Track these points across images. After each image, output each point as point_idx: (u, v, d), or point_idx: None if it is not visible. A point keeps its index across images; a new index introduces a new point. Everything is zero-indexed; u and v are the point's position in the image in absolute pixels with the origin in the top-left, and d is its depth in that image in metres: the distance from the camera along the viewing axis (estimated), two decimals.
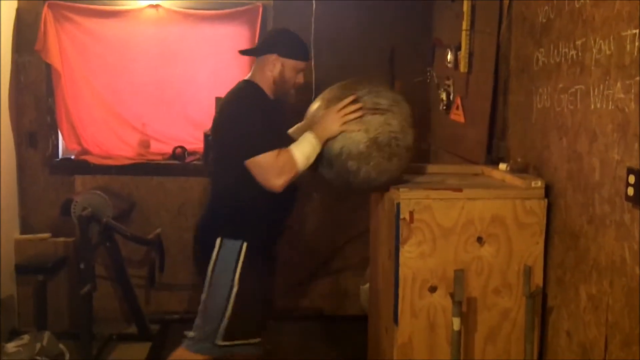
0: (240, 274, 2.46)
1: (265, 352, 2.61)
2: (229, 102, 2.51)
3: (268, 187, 2.39)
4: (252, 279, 2.49)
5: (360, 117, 2.33)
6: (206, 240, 2.52)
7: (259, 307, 2.57)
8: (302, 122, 2.57)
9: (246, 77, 2.60)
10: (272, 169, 2.36)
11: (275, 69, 2.52)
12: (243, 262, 2.47)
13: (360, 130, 2.32)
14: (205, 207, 2.71)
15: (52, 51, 3.87)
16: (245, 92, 2.52)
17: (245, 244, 2.47)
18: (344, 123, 2.34)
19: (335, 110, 2.36)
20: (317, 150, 2.39)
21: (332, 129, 2.35)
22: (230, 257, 2.47)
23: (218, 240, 2.48)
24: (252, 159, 2.37)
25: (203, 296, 2.51)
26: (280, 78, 2.53)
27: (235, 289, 2.46)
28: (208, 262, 2.49)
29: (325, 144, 2.37)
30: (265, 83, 2.54)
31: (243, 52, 2.73)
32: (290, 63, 2.53)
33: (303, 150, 2.38)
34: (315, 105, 2.51)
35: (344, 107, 2.35)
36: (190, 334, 2.54)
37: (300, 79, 2.60)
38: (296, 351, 3.62)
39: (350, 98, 2.37)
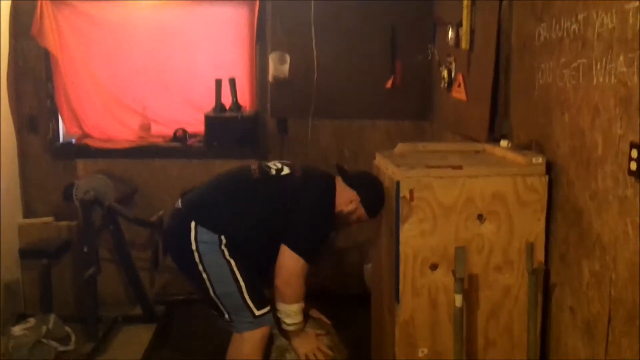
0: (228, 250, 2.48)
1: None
2: (317, 198, 2.55)
3: (275, 275, 2.48)
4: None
5: None
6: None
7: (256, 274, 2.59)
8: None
9: (334, 180, 2.63)
10: (289, 273, 2.46)
11: (350, 205, 2.59)
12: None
13: None
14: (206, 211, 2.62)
15: (48, 36, 3.83)
16: (331, 203, 2.58)
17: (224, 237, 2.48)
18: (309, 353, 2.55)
19: (315, 341, 2.59)
20: (291, 319, 2.53)
21: (300, 347, 2.56)
22: (210, 244, 2.47)
23: (193, 240, 2.47)
24: (290, 252, 2.45)
25: (210, 294, 2.48)
26: (346, 214, 2.60)
27: (233, 262, 2.47)
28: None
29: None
30: (338, 203, 2.59)
31: (338, 168, 2.72)
32: (362, 213, 2.61)
33: (298, 311, 2.53)
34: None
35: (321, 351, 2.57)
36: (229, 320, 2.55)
37: (356, 223, 2.71)
38: None
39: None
